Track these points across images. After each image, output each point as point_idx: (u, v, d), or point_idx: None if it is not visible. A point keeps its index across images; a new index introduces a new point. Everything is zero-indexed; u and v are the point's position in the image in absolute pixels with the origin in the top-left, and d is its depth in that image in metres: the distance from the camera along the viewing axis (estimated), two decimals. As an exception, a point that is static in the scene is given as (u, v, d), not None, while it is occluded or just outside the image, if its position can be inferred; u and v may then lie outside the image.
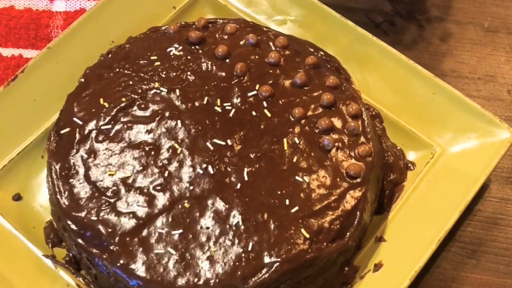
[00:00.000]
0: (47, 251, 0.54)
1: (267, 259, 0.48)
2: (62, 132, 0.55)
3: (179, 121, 0.54)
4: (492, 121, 0.58)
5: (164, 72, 0.57)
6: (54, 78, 0.61)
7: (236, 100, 0.56)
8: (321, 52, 0.62)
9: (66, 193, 0.52)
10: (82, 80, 0.58)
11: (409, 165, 0.59)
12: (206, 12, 0.67)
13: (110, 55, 0.60)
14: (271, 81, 0.57)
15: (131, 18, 0.64)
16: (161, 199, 0.51)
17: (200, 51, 0.59)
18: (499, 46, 0.70)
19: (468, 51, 0.69)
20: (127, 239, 0.49)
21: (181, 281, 0.48)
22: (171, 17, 0.66)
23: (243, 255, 0.48)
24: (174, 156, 0.53)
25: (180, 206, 0.51)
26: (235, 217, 0.50)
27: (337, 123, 0.55)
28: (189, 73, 0.57)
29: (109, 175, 0.52)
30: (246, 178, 0.52)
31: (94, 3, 0.66)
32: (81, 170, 0.53)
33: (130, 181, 0.52)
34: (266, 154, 0.53)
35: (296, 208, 0.50)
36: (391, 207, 0.56)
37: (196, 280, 0.48)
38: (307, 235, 0.49)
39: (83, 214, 0.51)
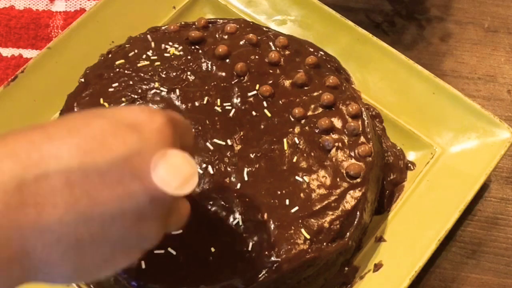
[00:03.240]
0: (47, 251, 0.54)
1: (267, 259, 0.48)
2: (62, 132, 0.55)
3: (179, 121, 0.54)
4: (492, 121, 0.58)
5: (164, 72, 0.57)
6: (54, 78, 0.61)
7: (236, 100, 0.56)
8: (321, 52, 0.61)
9: (66, 193, 0.52)
10: (82, 80, 0.58)
11: (409, 165, 0.59)
12: (206, 12, 0.67)
13: (110, 55, 0.60)
14: (271, 81, 0.57)
15: (131, 18, 0.64)
16: (161, 199, 0.51)
17: (200, 51, 0.59)
18: (499, 46, 0.70)
19: (468, 51, 0.69)
20: (127, 239, 0.49)
21: (181, 281, 0.48)
22: (171, 17, 0.66)
23: (243, 255, 0.48)
24: (174, 156, 0.53)
25: (180, 206, 0.50)
26: (235, 217, 0.50)
27: (337, 123, 0.55)
28: (189, 73, 0.57)
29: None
30: (246, 178, 0.52)
31: (94, 3, 0.66)
32: (81, 170, 0.52)
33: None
34: (266, 154, 0.53)
35: (296, 208, 0.50)
36: (391, 207, 0.56)
37: (196, 280, 0.48)
38: (307, 235, 0.49)
39: (83, 214, 0.50)
